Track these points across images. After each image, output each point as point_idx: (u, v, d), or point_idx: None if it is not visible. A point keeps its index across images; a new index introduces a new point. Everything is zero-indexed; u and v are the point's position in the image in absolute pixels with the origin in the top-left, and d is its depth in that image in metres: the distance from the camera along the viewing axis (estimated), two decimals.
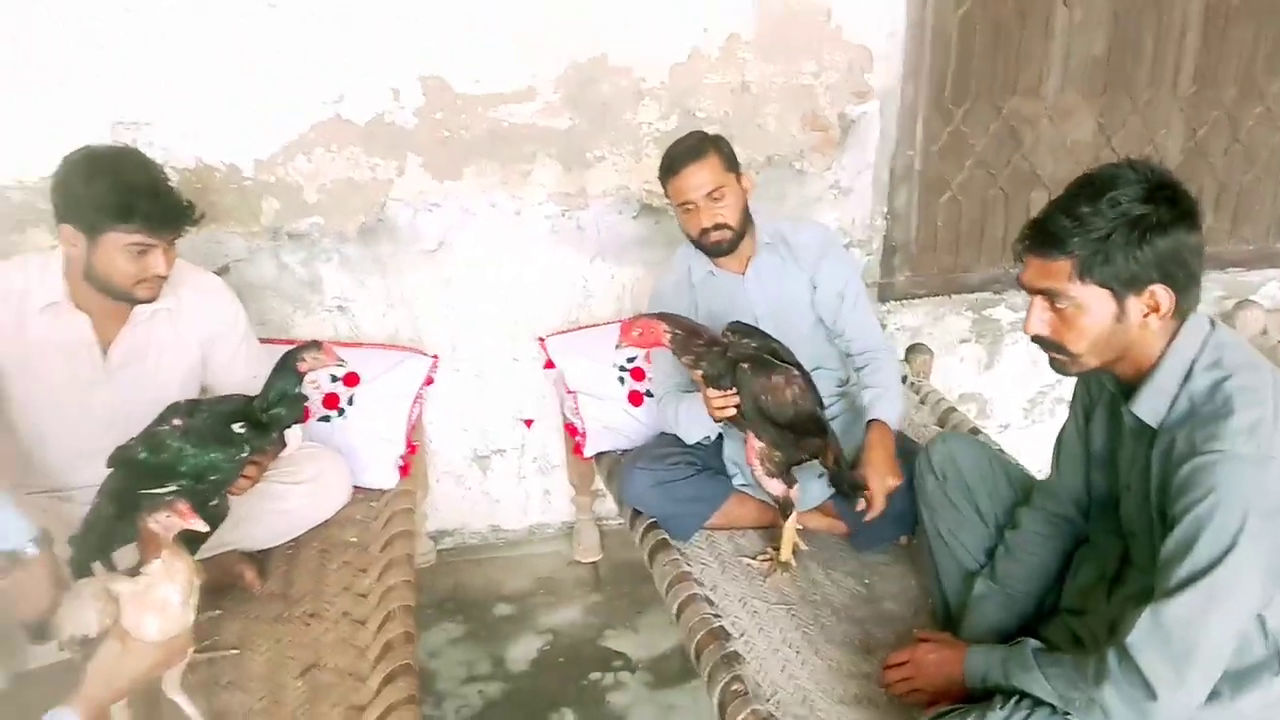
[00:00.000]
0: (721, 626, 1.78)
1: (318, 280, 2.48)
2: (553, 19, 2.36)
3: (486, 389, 2.67)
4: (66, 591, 1.56)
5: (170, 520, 1.39)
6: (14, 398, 1.87)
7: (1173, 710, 1.24)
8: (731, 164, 2.08)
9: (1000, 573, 1.65)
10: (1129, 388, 1.38)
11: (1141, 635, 1.25)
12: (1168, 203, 1.28)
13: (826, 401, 2.10)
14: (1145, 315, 1.31)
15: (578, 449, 2.48)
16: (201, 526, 1.43)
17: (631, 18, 2.40)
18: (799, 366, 1.90)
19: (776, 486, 1.93)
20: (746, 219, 2.12)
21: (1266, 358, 1.34)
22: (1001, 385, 3.04)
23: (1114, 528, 1.52)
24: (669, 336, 1.82)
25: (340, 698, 1.65)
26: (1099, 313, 1.32)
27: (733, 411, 1.87)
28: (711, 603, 1.86)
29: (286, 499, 2.02)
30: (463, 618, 2.50)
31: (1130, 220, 1.27)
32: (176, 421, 1.73)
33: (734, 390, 1.84)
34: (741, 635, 1.78)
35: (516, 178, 2.49)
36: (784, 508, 1.95)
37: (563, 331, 2.61)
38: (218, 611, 1.84)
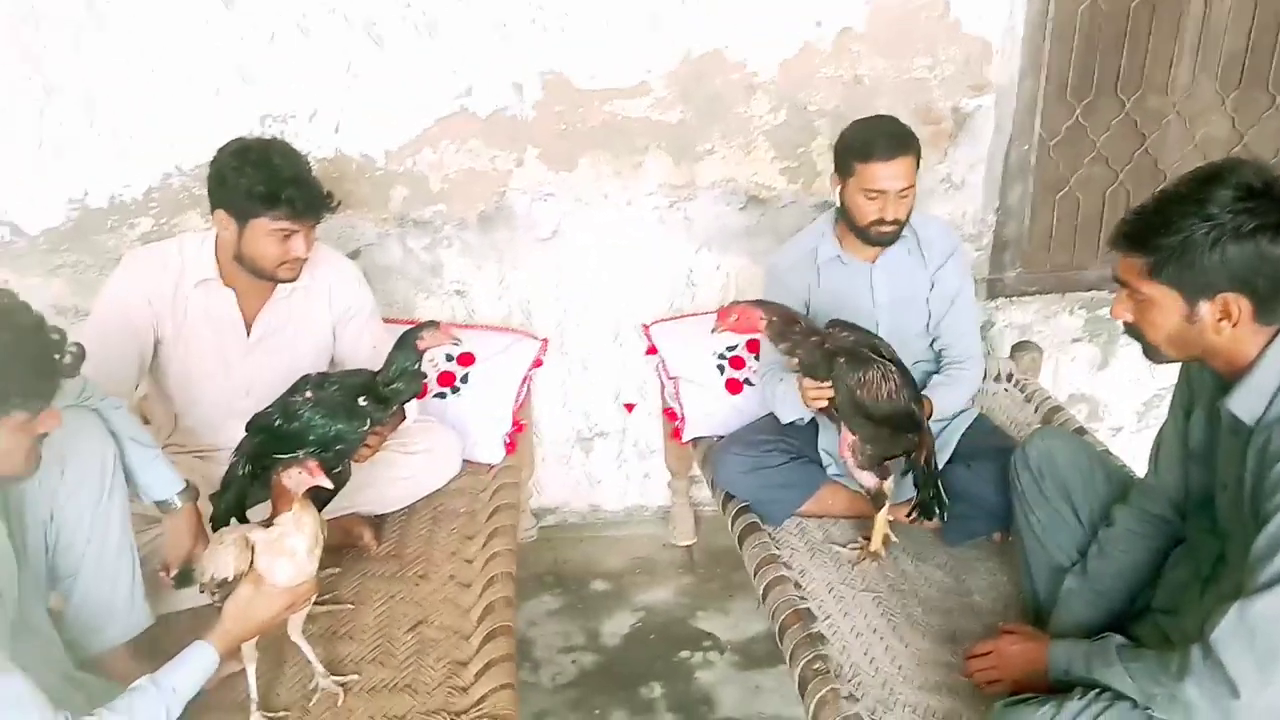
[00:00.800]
0: (807, 608, 1.82)
1: (439, 265, 2.63)
2: (667, 15, 2.42)
3: (591, 373, 2.77)
4: (207, 541, 1.74)
5: (301, 477, 1.54)
6: (169, 365, 2.07)
7: (1256, 710, 1.22)
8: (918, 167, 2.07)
9: (1092, 569, 1.63)
10: (1228, 384, 1.36)
11: (1227, 631, 1.23)
12: (1259, 210, 1.25)
13: None
14: (1219, 320, 1.30)
15: (676, 434, 2.54)
16: (328, 485, 1.57)
17: (744, 13, 2.43)
18: (898, 362, 1.91)
19: (869, 479, 1.96)
20: None
21: None
22: (1116, 387, 2.95)
23: (1210, 527, 1.49)
24: (765, 323, 1.86)
25: (444, 653, 1.77)
26: (1169, 311, 1.33)
27: (825, 402, 1.89)
28: (799, 586, 1.90)
29: (403, 467, 2.16)
30: (561, 591, 2.61)
31: (1210, 225, 1.25)
32: (308, 394, 1.86)
33: (829, 382, 1.87)
34: (826, 618, 1.82)
35: (629, 169, 2.57)
36: (876, 499, 1.97)
37: (667, 319, 2.68)
38: (337, 569, 1.99)
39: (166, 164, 2.41)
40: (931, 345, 2.23)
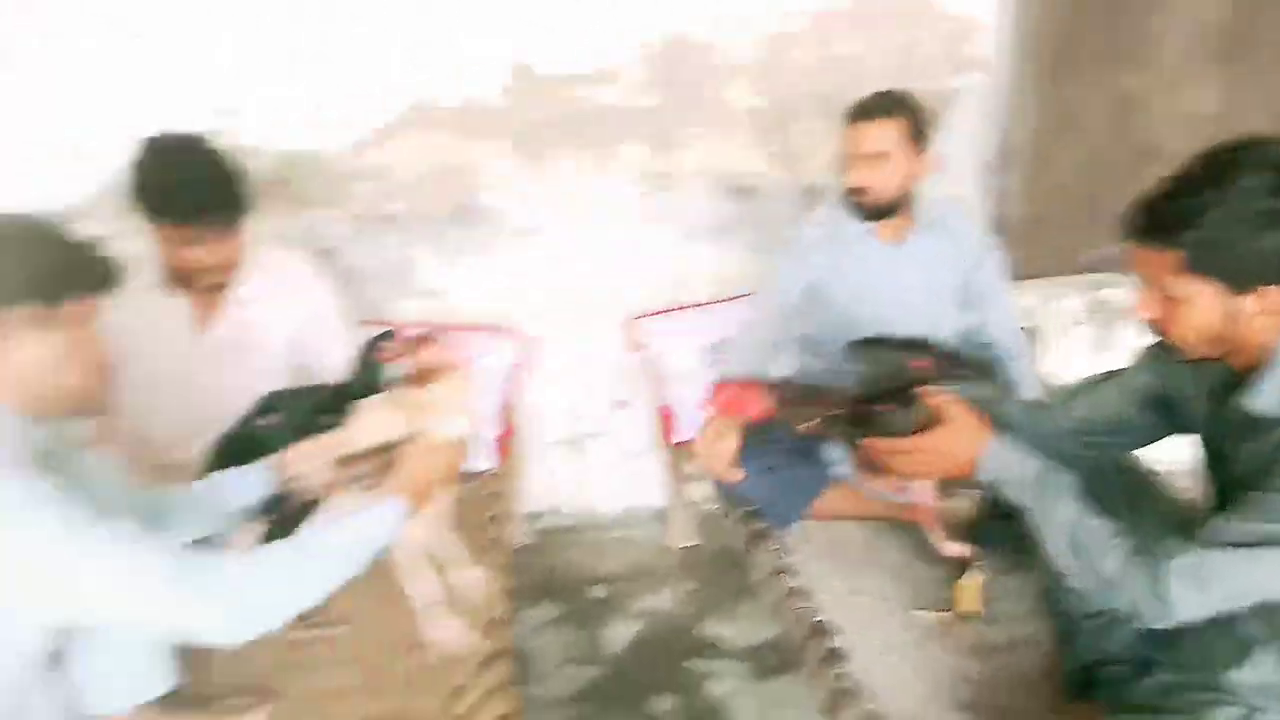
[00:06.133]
0: (822, 622, 1.73)
1: (410, 264, 2.50)
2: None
3: (581, 372, 2.66)
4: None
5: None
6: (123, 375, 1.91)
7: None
8: (913, 135, 1.98)
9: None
10: (1239, 377, 1.25)
11: (1184, 569, 1.18)
12: None
13: None
14: (1258, 313, 1.19)
15: (670, 433, 2.44)
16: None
17: None
18: (932, 351, 1.81)
19: (956, 549, 1.81)
20: (905, 196, 2.03)
21: None
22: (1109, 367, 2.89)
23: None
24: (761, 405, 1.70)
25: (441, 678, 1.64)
26: (1206, 309, 1.21)
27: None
28: (811, 596, 1.81)
29: None
30: (559, 599, 2.49)
31: (1252, 213, 1.13)
32: (272, 419, 1.75)
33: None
34: (843, 631, 1.72)
35: (606, 159, 2.47)
36: (963, 568, 1.77)
37: (657, 313, 2.58)
38: None
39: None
40: (969, 334, 2.15)
